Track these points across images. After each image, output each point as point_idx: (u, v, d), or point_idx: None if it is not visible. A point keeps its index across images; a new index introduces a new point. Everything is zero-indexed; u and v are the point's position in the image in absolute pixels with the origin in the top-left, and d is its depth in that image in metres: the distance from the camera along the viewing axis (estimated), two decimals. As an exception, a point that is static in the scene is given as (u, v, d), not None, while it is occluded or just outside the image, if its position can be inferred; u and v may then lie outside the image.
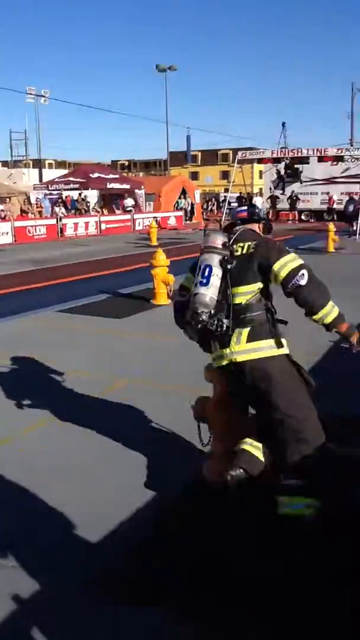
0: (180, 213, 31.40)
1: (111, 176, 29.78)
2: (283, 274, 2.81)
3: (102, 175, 28.53)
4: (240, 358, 2.86)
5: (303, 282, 2.80)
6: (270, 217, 33.01)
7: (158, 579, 2.48)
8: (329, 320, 2.86)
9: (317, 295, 2.84)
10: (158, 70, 40.00)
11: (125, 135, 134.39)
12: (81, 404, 4.64)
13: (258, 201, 32.23)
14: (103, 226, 25.92)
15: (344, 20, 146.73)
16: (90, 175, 27.69)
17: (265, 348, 2.87)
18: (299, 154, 26.71)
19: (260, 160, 28.63)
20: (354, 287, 9.52)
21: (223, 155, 62.38)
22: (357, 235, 20.75)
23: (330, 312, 2.85)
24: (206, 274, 2.87)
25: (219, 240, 2.95)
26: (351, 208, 23.14)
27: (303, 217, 32.75)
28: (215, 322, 2.84)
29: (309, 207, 32.74)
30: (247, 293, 2.90)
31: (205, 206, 41.30)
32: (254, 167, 42.65)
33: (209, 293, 2.83)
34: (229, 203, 30.30)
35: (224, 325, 2.85)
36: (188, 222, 32.05)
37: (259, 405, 2.97)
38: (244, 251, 2.92)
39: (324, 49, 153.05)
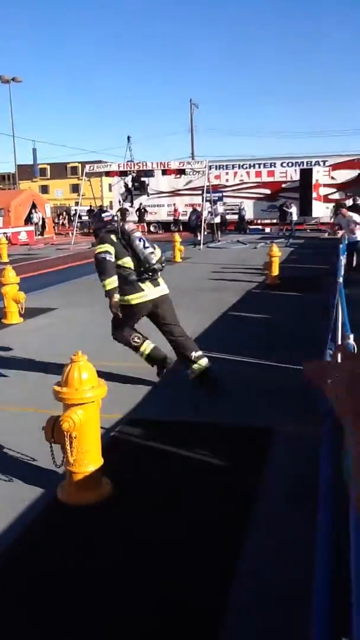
0: (32, 228, 31.10)
1: None
2: None
3: None
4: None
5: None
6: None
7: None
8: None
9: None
10: (1, 82, 39.29)
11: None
12: None
13: (108, 214, 32.95)
14: None
15: (184, 34, 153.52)
16: None
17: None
18: (145, 167, 27.79)
19: (107, 173, 29.31)
20: (191, 297, 10.52)
21: (72, 168, 62.43)
22: (201, 245, 22.25)
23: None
24: (147, 243, 5.43)
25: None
26: (194, 218, 24.86)
27: (151, 228, 34.11)
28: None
29: (156, 219, 34.21)
30: None
31: (57, 220, 41.14)
32: (103, 180, 43.38)
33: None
34: (80, 216, 30.65)
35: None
36: (40, 237, 31.83)
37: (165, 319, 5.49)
38: None
39: (164, 62, 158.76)
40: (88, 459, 3.45)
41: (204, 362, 5.39)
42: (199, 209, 26.10)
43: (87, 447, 3.44)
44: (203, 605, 2.59)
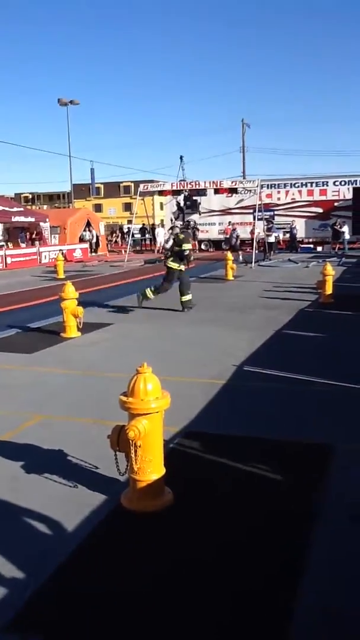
0: (86, 245, 31.92)
1: (15, 209, 29.80)
2: None
3: (6, 209, 28.51)
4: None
5: None
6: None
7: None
8: None
9: None
10: (60, 104, 40.73)
11: (28, 168, 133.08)
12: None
13: (161, 232, 33.53)
14: (8, 260, 25.90)
15: (235, 56, 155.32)
16: (-6, 209, 27.62)
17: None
18: (197, 186, 28.10)
19: (160, 193, 29.79)
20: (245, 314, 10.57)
21: (125, 187, 63.77)
22: (253, 263, 22.30)
23: None
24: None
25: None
26: (235, 237, 25.19)
27: (203, 246, 34.37)
28: None
29: (207, 237, 34.47)
30: None
31: (110, 237, 42.06)
32: (155, 199, 44.11)
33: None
34: (133, 234, 31.25)
35: None
36: (93, 254, 32.60)
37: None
38: None
39: (218, 84, 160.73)
40: (151, 467, 3.57)
41: (188, 297, 11.41)
42: (238, 227, 26.75)
43: (150, 456, 3.56)
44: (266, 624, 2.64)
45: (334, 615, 2.63)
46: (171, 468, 3.76)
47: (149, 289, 11.80)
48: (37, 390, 6.26)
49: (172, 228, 33.76)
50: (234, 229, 26.45)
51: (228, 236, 26.99)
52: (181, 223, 34.41)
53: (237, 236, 25.41)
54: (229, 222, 31.41)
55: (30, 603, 2.74)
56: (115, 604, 2.72)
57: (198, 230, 34.28)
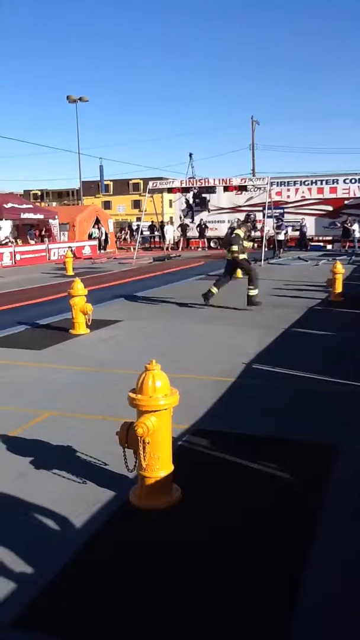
0: (95, 242, 31.96)
1: (25, 206, 29.88)
2: None
3: (16, 206, 28.60)
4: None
5: None
6: (180, 244, 34.48)
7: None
8: None
9: None
10: (69, 101, 40.78)
11: (37, 165, 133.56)
12: (2, 437, 4.76)
13: (169, 229, 33.53)
14: (18, 257, 25.99)
15: (247, 53, 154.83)
16: (4, 205, 27.70)
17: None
18: (206, 184, 28.07)
19: (170, 190, 29.78)
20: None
21: (134, 184, 63.82)
22: (262, 261, 22.24)
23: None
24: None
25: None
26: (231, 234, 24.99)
27: (212, 244, 34.31)
28: None
29: (217, 235, 34.40)
30: None
31: (118, 235, 42.09)
32: (164, 197, 44.08)
33: None
34: (142, 232, 31.26)
35: None
36: (102, 251, 32.64)
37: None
38: None
39: (227, 81, 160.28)
40: (160, 464, 3.57)
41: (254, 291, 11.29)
42: (235, 224, 26.47)
43: (159, 452, 3.56)
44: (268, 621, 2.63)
45: (336, 613, 2.62)
46: (179, 465, 3.76)
47: (251, 290, 11.28)
48: (46, 386, 6.27)
49: (181, 225, 33.92)
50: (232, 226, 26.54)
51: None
52: (190, 220, 34.65)
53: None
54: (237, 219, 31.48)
55: (38, 599, 2.75)
56: (122, 602, 2.72)
57: (207, 227, 34.26)
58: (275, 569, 2.97)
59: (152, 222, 38.10)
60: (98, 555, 3.13)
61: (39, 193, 71.20)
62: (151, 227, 39.36)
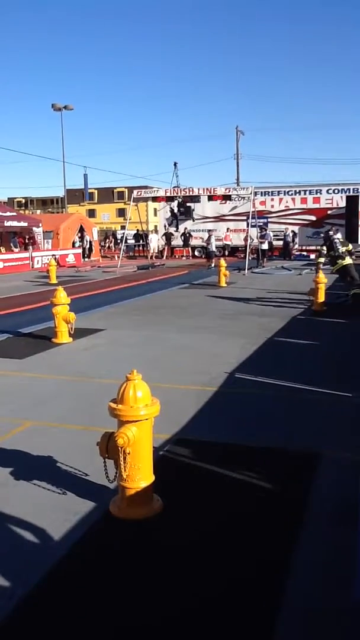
0: (79, 250, 31.88)
1: (8, 214, 29.71)
2: None
3: (-1, 213, 28.46)
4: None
5: None
6: (165, 253, 34.59)
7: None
8: None
9: None
10: (54, 109, 40.81)
11: (22, 173, 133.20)
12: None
13: (154, 238, 33.60)
14: (0, 264, 25.79)
15: (230, 64, 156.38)
16: (-13, 213, 27.56)
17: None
18: (191, 193, 28.17)
19: (154, 199, 29.85)
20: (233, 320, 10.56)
21: (119, 193, 63.92)
22: (246, 270, 22.35)
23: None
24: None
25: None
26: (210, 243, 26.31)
27: (196, 253, 34.41)
28: None
29: (201, 244, 34.52)
30: None
31: (103, 243, 42.05)
32: (148, 205, 44.16)
33: None
34: (126, 240, 31.27)
35: None
36: (87, 259, 32.57)
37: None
38: None
39: (212, 92, 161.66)
40: (140, 475, 3.56)
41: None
42: (214, 234, 27.82)
43: (139, 463, 3.55)
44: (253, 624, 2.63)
45: (317, 615, 2.62)
46: (161, 475, 3.75)
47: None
48: (27, 396, 6.22)
49: (165, 234, 34.29)
50: (210, 236, 27.44)
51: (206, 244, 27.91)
52: (175, 229, 34.90)
53: (212, 243, 27.11)
54: (223, 228, 31.90)
55: (16, 611, 2.72)
56: (102, 613, 2.70)
57: (191, 236, 34.39)
58: (256, 573, 2.97)
59: (137, 230, 38.15)
60: (77, 566, 3.11)
61: (23, 201, 70.97)
62: (137, 236, 39.40)
